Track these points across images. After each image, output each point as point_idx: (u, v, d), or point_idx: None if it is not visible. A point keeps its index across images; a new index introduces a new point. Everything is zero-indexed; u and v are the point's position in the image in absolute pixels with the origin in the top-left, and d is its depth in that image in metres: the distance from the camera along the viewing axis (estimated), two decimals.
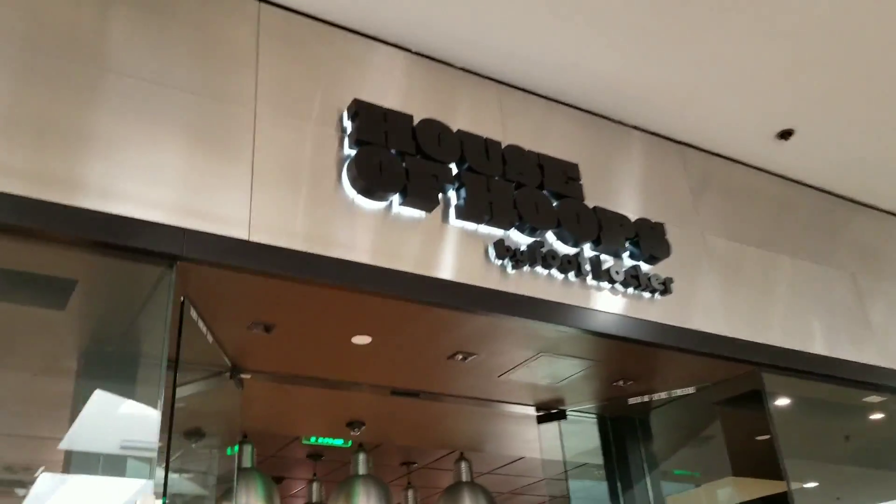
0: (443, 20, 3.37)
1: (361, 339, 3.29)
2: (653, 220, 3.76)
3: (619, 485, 4.33)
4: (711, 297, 3.85)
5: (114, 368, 2.96)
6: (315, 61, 3.22)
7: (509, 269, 3.24)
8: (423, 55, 3.55)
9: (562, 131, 3.82)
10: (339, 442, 4.73)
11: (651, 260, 3.65)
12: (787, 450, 5.34)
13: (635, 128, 4.12)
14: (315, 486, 5.83)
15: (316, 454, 5.89)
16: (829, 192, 4.77)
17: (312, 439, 4.70)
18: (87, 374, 2.99)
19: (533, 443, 4.93)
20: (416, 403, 4.12)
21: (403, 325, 3.23)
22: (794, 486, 5.16)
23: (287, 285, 2.81)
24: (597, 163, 3.84)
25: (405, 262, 3.04)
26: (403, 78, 3.45)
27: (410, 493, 6.24)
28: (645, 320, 3.52)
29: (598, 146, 3.93)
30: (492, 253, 3.23)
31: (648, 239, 3.67)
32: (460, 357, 3.53)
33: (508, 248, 3.23)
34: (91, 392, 2.95)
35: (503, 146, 3.46)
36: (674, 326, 3.58)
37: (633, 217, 3.71)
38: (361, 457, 5.15)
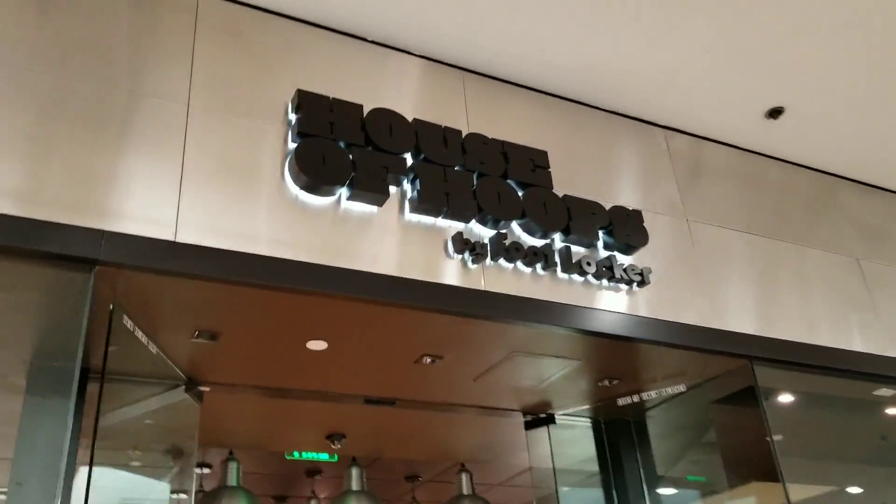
0: (399, 6, 3.21)
1: (317, 345, 3.12)
2: (630, 208, 3.55)
3: (614, 492, 4.09)
4: (697, 288, 3.61)
5: (54, 383, 2.83)
6: (259, 53, 3.08)
7: (470, 264, 3.06)
8: (378, 44, 3.39)
9: (532, 118, 3.63)
10: (324, 456, 4.55)
11: (628, 249, 3.44)
12: (817, 452, 5.05)
13: (613, 112, 3.92)
14: (313, 503, 5.66)
15: (314, 471, 5.73)
16: (829, 173, 4.50)
17: (296, 454, 4.53)
18: (31, 391, 2.88)
19: (537, 451, 4.72)
20: (396, 412, 3.93)
21: (359, 328, 3.05)
22: (831, 489, 4.87)
23: (225, 289, 2.65)
24: (571, 150, 3.64)
25: (357, 260, 2.86)
26: (356, 68, 3.29)
27: None
28: (621, 313, 3.30)
29: (573, 133, 3.73)
30: (450, 247, 3.04)
31: (624, 227, 3.46)
32: (428, 360, 3.34)
33: (467, 242, 3.04)
34: (32, 408, 2.83)
35: (464, 135, 3.28)
36: (652, 319, 3.36)
37: (610, 205, 3.50)
38: (354, 471, 4.97)
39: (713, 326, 3.52)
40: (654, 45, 3.51)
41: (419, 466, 6.03)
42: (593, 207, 3.43)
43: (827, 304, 4.02)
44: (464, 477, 5.27)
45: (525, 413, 4.10)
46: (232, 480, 4.54)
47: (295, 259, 2.73)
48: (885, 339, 4.09)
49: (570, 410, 4.10)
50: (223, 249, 2.59)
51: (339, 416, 3.98)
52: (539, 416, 4.11)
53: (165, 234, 2.53)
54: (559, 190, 3.41)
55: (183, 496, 5.41)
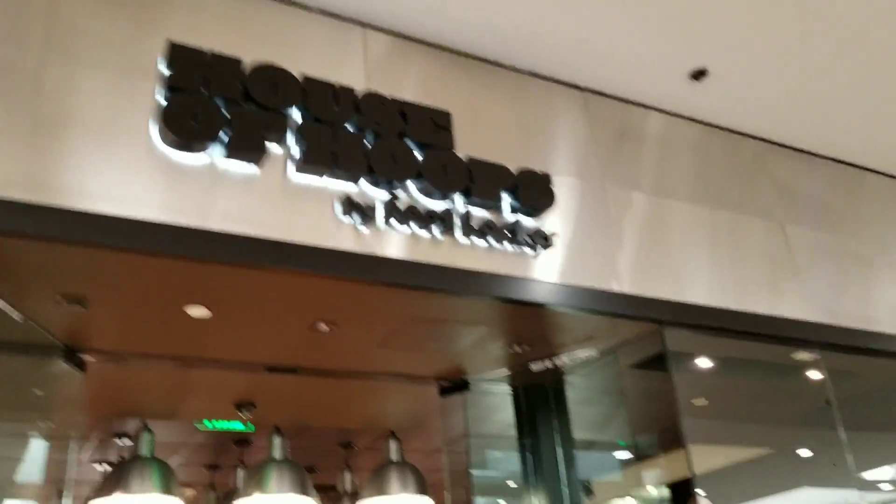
0: None
1: (199, 312, 2.98)
2: (539, 171, 3.43)
3: (532, 459, 4.03)
4: (612, 253, 3.52)
5: None
6: (132, 4, 2.89)
7: (360, 227, 2.93)
8: None
9: (438, 78, 3.48)
10: (237, 426, 4.44)
11: (534, 213, 3.33)
12: (744, 416, 5.04)
13: (528, 73, 3.78)
14: (241, 472, 5.56)
15: (242, 441, 5.63)
16: (755, 137, 4.41)
17: (207, 423, 4.42)
18: None
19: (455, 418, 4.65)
20: (306, 381, 3.83)
21: (243, 294, 2.92)
22: (768, 452, 4.85)
23: (81, 252, 2.49)
24: (479, 111, 3.50)
25: (236, 223, 2.72)
26: (243, 21, 3.10)
27: (347, 476, 5.96)
28: (524, 278, 3.20)
29: (482, 93, 3.58)
30: (339, 209, 2.91)
31: (531, 190, 3.34)
32: (324, 327, 3.22)
33: (356, 204, 2.91)
34: None
35: (360, 93, 3.13)
36: (556, 284, 3.26)
37: (518, 168, 3.38)
38: (276, 440, 4.84)
39: (623, 291, 3.44)
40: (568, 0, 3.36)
41: (352, 435, 5.96)
42: (498, 170, 3.31)
43: (749, 268, 3.95)
44: (391, 444, 5.18)
45: (439, 380, 4.01)
46: (144, 451, 4.41)
47: (165, 222, 2.59)
48: (806, 304, 4.05)
49: (485, 377, 4.02)
50: (71, 210, 2.43)
51: (243, 385, 3.86)
52: (453, 383, 4.03)
53: (8, 194, 2.36)
54: (464, 152, 3.28)
55: (102, 468, 5.30)
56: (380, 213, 2.97)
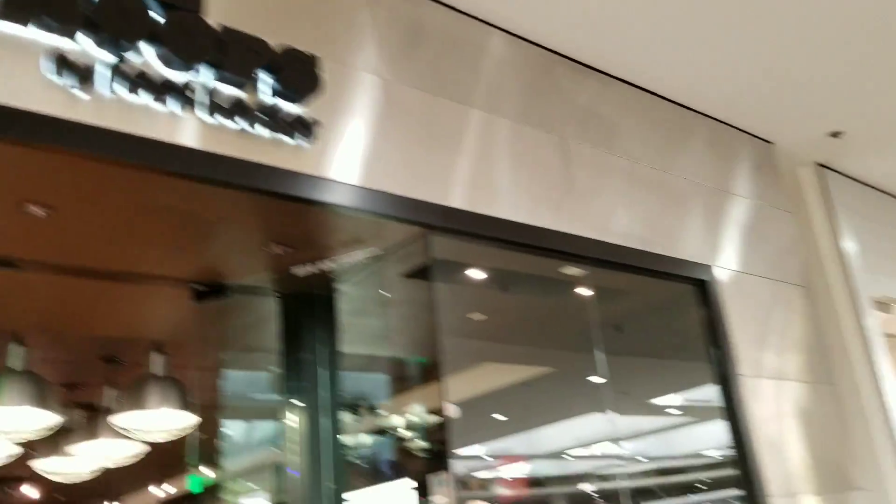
0: None
1: None
2: (307, 52, 3.09)
3: (294, 374, 3.79)
4: (383, 151, 3.28)
5: None
6: None
7: (76, 92, 2.48)
8: None
9: None
10: None
11: (295, 97, 3.00)
12: (544, 338, 5.04)
13: None
14: None
15: None
16: (547, 48, 4.29)
17: None
18: None
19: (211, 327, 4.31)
20: (36, 278, 3.35)
21: None
22: (549, 371, 4.88)
23: None
24: None
25: None
26: None
27: (110, 393, 5.49)
28: (279, 168, 2.89)
29: None
30: (45, 67, 2.44)
31: (293, 71, 3.00)
32: (37, 210, 2.76)
33: (71, 63, 2.46)
34: None
35: None
36: (316, 177, 2.99)
37: (282, 46, 3.02)
38: (11, 348, 4.32)
39: (390, 191, 3.22)
40: None
41: (116, 348, 5.47)
42: (256, 44, 2.94)
43: (526, 180, 3.86)
44: (153, 356, 4.79)
45: (192, 283, 3.65)
46: None
47: None
48: (581, 220, 4.03)
49: (245, 282, 3.70)
50: None
51: None
52: (208, 287, 3.68)
53: None
54: (218, 20, 2.87)
55: None
56: (103, 77, 2.53)
